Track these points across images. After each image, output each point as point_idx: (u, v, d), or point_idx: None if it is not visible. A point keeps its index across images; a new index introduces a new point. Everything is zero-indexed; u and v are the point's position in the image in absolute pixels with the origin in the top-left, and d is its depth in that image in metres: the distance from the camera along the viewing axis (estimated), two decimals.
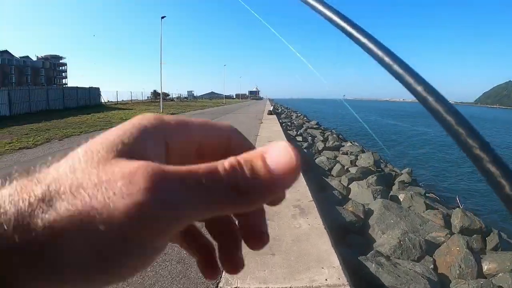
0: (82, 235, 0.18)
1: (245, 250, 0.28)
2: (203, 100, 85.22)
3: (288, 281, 2.69)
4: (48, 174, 0.20)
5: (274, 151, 0.22)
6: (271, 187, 0.21)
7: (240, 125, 15.28)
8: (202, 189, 0.20)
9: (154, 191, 0.19)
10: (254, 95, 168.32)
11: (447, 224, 5.38)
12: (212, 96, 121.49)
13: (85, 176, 0.19)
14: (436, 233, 5.05)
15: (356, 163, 9.61)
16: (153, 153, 0.23)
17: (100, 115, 23.80)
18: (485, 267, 4.15)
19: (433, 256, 4.30)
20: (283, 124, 18.81)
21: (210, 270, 0.28)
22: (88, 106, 32.61)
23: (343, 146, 12.63)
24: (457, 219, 5.37)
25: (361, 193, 6.31)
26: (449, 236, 4.75)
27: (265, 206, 0.26)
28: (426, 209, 6.06)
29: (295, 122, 21.58)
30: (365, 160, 9.56)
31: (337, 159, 10.09)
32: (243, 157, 0.21)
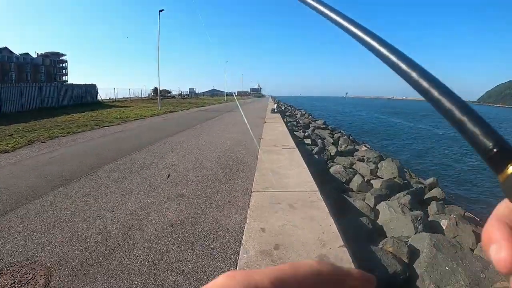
0: None
1: None
2: (204, 97, 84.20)
3: None
4: None
5: None
6: None
7: (242, 126, 14.04)
8: None
9: None
10: (256, 92, 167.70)
11: None
12: (213, 93, 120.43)
13: None
14: (502, 282, 3.64)
15: (378, 173, 8.23)
16: None
17: (94, 113, 22.83)
18: None
19: None
20: (288, 124, 17.40)
21: None
22: (84, 104, 31.89)
23: (357, 150, 11.27)
24: None
25: (396, 220, 4.90)
26: None
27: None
28: (477, 241, 4.67)
29: (300, 122, 20.18)
30: (388, 169, 8.17)
31: (354, 167, 8.70)
32: None
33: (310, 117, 30.10)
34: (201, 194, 4.81)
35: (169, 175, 6.24)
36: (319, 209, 4.05)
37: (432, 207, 6.23)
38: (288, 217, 3.79)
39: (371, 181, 7.41)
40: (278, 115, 19.48)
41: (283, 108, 32.47)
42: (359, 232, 4.59)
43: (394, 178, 7.70)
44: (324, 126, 19.89)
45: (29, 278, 2.74)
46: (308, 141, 11.68)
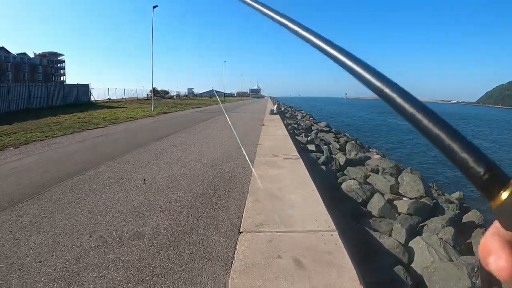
0: None
1: None
2: (203, 98, 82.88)
3: None
4: None
5: None
6: None
7: (237, 129, 12.61)
8: None
9: None
10: (255, 93, 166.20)
11: None
12: (212, 94, 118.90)
13: None
14: None
15: (400, 190, 6.78)
16: None
17: (83, 114, 21.66)
18: None
19: None
20: (289, 126, 15.96)
21: None
22: (75, 104, 30.88)
23: (369, 157, 9.81)
24: None
25: (443, 270, 3.47)
26: None
27: None
28: None
29: (302, 124, 18.70)
30: (411, 185, 6.72)
31: (370, 181, 7.27)
32: None
33: (312, 118, 28.65)
34: (167, 234, 3.35)
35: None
36: (342, 268, 2.60)
37: (475, 240, 4.80)
38: None
39: (394, 202, 5.95)
40: (278, 116, 18.07)
41: (282, 109, 30.89)
42: None
43: (422, 197, 6.26)
44: (327, 129, 18.43)
45: None
46: (312, 147, 10.23)
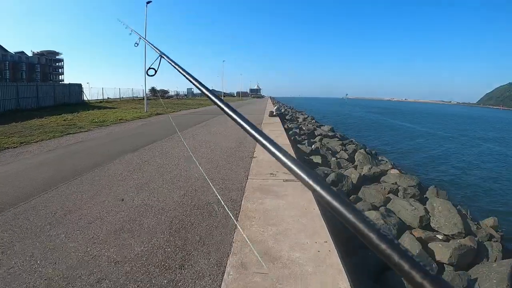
0: None
1: None
2: (201, 97, 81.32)
3: None
4: None
5: None
6: None
7: (230, 136, 11.09)
8: None
9: None
10: (255, 93, 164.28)
11: None
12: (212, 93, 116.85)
13: None
14: None
15: (433, 223, 5.33)
16: None
17: (71, 116, 20.35)
18: None
19: None
20: (290, 131, 14.48)
21: None
22: (67, 105, 29.77)
23: (385, 173, 8.34)
24: None
25: None
26: None
27: None
28: None
29: (304, 128, 17.20)
30: (445, 215, 5.25)
31: (391, 207, 5.81)
32: None
33: (314, 121, 27.14)
34: None
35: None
36: None
37: None
38: None
39: (429, 244, 4.50)
40: (278, 119, 16.62)
41: (282, 110, 29.28)
42: None
43: (460, 234, 4.82)
44: (332, 133, 16.94)
45: None
46: (317, 159, 8.76)
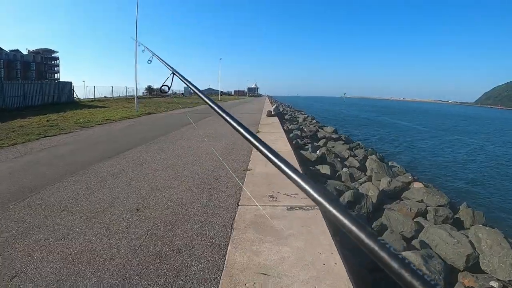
0: None
1: None
2: (196, 96, 79.80)
3: None
4: None
5: None
6: None
7: (223, 138, 9.90)
8: None
9: None
10: (253, 92, 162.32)
11: None
12: (209, 92, 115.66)
13: None
14: None
15: (483, 265, 4.02)
16: None
17: (56, 116, 19.22)
18: None
19: None
20: (291, 134, 13.09)
21: None
22: (56, 104, 29.00)
23: (407, 187, 6.96)
24: None
25: None
26: None
27: None
28: None
29: (305, 129, 15.82)
30: (498, 252, 3.97)
31: (425, 238, 4.48)
32: None
33: (315, 121, 25.72)
34: None
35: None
36: None
37: None
38: None
39: None
40: (276, 119, 15.24)
41: (281, 109, 27.70)
42: None
43: None
44: (336, 135, 15.56)
45: None
46: (325, 168, 7.36)
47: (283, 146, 8.22)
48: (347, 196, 5.30)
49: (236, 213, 3.75)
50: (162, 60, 2.35)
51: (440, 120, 63.54)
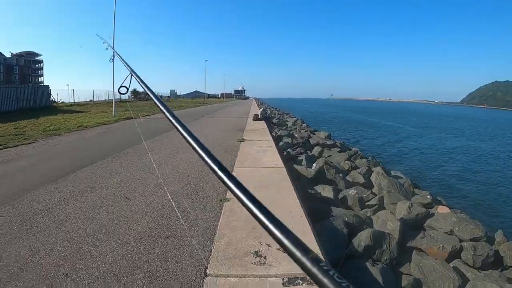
0: None
1: None
2: (184, 99, 78.10)
3: None
4: None
5: None
6: None
7: (207, 143, 8.42)
8: None
9: None
10: (240, 94, 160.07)
11: None
12: (196, 95, 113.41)
13: None
14: None
15: None
16: None
17: (24, 123, 17.68)
18: None
19: None
20: (280, 142, 11.71)
21: None
22: (32, 109, 27.40)
23: (431, 213, 5.58)
24: None
25: None
26: None
27: None
28: None
29: (296, 135, 14.42)
30: None
31: None
32: None
33: (305, 125, 24.37)
34: None
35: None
36: None
37: None
38: None
39: None
40: (264, 124, 13.82)
41: (268, 112, 25.91)
42: None
43: None
44: (330, 142, 14.21)
45: None
46: (326, 190, 5.94)
47: (273, 161, 6.81)
48: (363, 239, 3.81)
49: None
50: (122, 59, 2.21)
51: (438, 122, 64.77)
